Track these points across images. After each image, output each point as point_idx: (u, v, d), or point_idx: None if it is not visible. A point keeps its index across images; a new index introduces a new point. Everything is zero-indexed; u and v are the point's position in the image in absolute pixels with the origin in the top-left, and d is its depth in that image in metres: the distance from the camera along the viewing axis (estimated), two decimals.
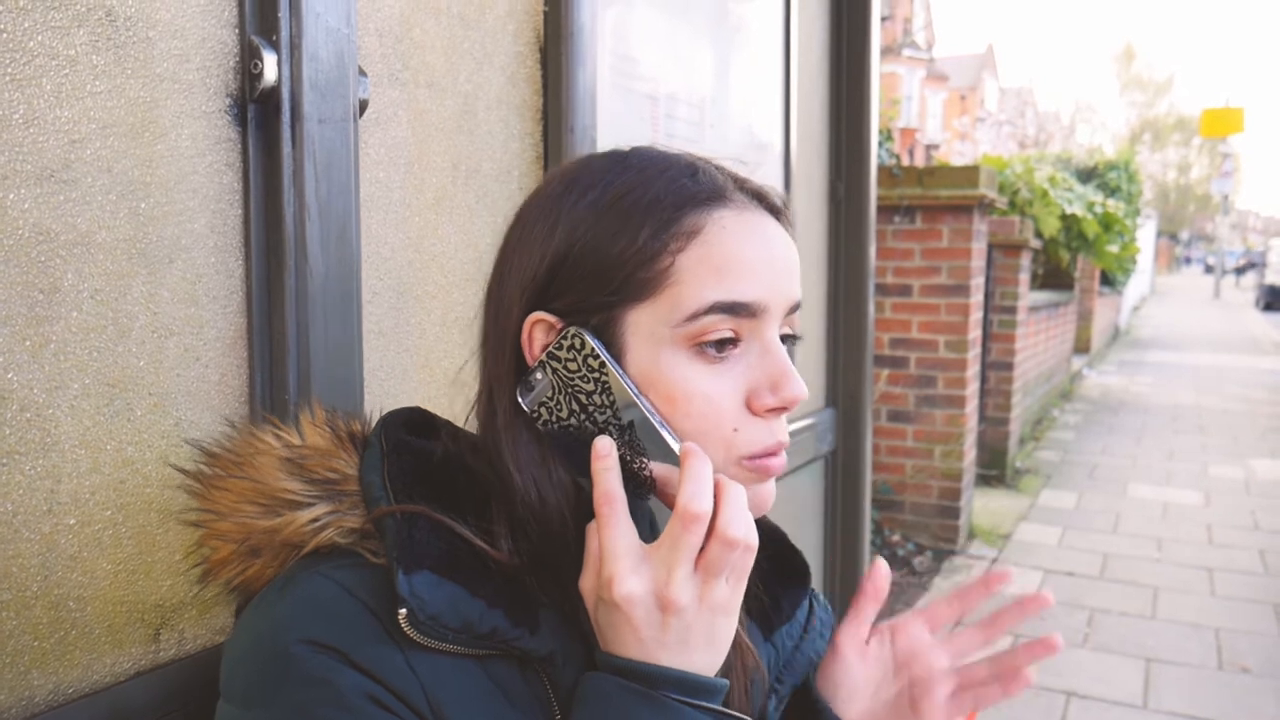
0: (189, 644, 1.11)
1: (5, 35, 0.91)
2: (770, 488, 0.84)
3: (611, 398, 0.78)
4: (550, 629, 0.80)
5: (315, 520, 0.80)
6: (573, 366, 0.79)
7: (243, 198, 1.14)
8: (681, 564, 0.73)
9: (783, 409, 0.81)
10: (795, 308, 0.84)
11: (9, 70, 0.91)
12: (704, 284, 0.77)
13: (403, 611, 0.72)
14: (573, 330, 0.79)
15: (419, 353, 1.41)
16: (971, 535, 5.88)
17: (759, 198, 0.85)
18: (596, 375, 0.78)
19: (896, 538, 5.64)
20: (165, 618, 1.09)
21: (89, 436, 1.00)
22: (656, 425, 0.77)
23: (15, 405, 0.94)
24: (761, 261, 0.80)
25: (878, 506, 5.65)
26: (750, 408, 0.80)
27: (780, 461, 0.83)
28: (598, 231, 0.79)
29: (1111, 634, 4.48)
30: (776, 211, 0.86)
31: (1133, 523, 6.30)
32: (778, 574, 1.04)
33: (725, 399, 0.79)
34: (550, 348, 0.80)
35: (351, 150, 1.20)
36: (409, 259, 1.38)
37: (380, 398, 1.32)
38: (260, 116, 1.14)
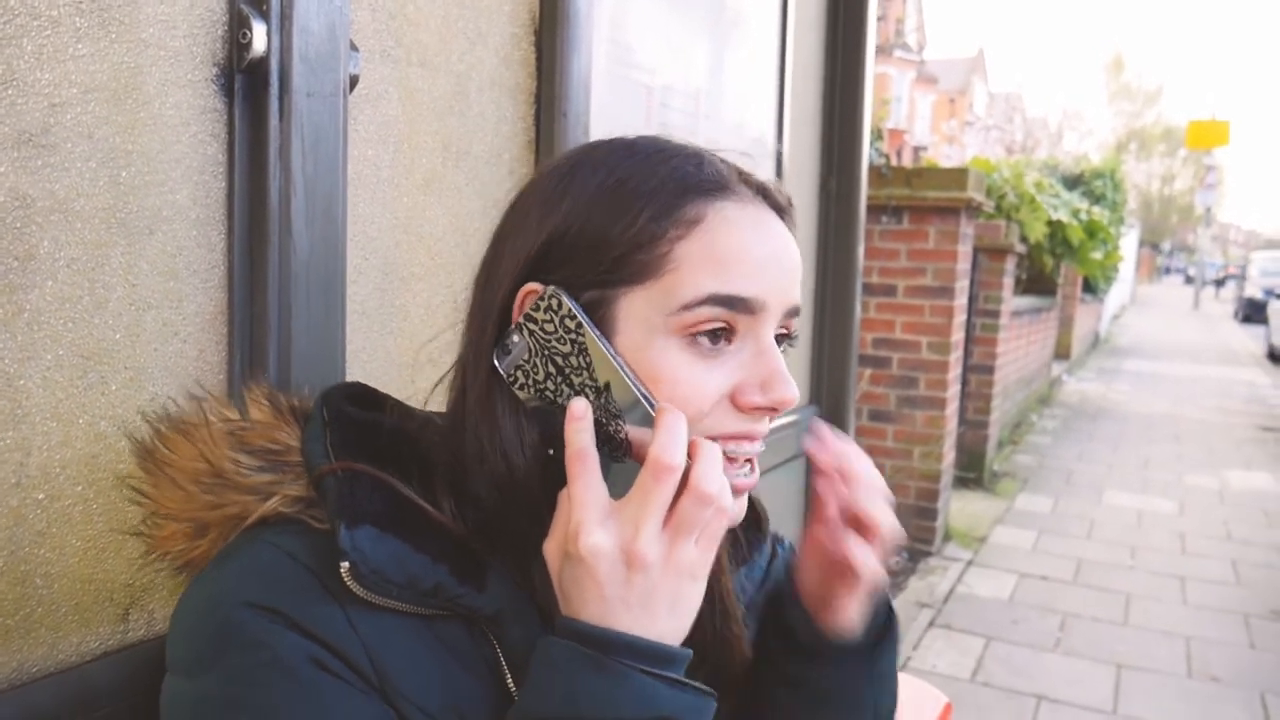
0: (159, 625, 1.09)
1: None
2: (739, 504, 0.82)
3: (588, 359, 0.77)
4: (498, 588, 0.79)
5: (258, 490, 0.80)
6: (549, 328, 0.78)
7: (227, 170, 1.11)
8: (650, 518, 0.71)
9: (770, 410, 0.80)
10: (794, 312, 0.83)
11: None
12: (702, 274, 0.76)
13: (345, 565, 0.72)
14: (550, 290, 0.77)
15: (403, 335, 1.38)
16: (948, 537, 5.89)
17: (763, 193, 0.83)
18: (573, 337, 0.77)
19: None
20: (135, 597, 1.06)
21: (61, 409, 0.98)
22: (632, 385, 0.76)
23: None
24: (763, 258, 0.79)
25: None
26: (735, 403, 0.79)
27: (750, 481, 0.81)
28: (599, 212, 0.78)
29: (1083, 639, 4.50)
30: (780, 210, 0.84)
31: (1107, 529, 6.33)
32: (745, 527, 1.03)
33: (710, 389, 0.77)
34: (528, 310, 0.79)
35: (340, 126, 1.18)
36: (396, 239, 1.36)
37: (361, 379, 1.29)
38: (248, 88, 1.11)
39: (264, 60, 1.09)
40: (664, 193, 0.78)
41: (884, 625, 0.94)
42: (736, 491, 0.80)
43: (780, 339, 0.83)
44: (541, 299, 0.78)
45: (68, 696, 0.99)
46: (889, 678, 0.96)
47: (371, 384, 0.93)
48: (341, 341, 1.22)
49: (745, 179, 0.83)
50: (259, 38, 1.08)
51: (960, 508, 6.52)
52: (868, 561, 0.86)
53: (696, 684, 0.73)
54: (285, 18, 1.10)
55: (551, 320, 0.77)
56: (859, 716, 0.94)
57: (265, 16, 1.09)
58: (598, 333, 0.77)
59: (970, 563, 5.53)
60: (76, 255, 0.97)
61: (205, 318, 1.11)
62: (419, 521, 0.77)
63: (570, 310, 0.77)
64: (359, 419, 0.84)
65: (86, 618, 1.02)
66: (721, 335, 0.78)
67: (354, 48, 1.20)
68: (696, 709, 0.73)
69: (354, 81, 1.21)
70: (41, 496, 0.97)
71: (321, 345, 1.19)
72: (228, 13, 1.09)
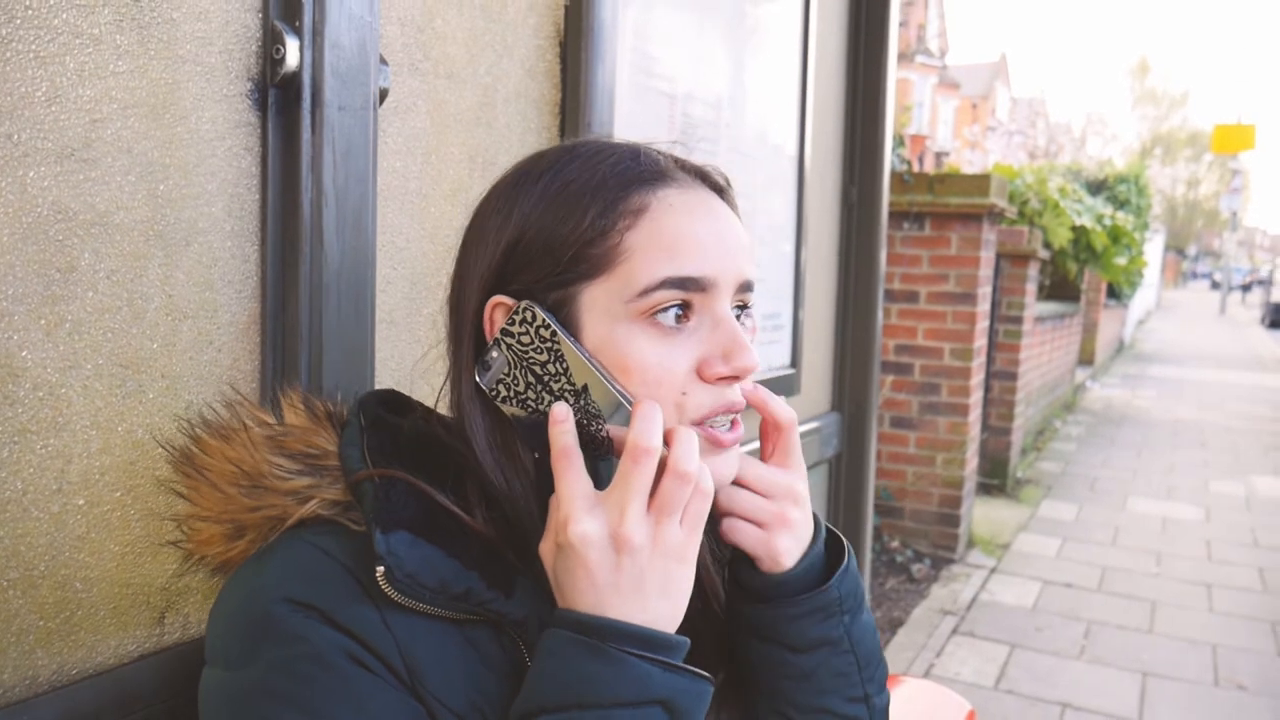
0: (193, 628, 1.11)
1: (30, 11, 0.90)
2: (727, 458, 0.85)
3: (565, 365, 0.80)
4: (525, 595, 0.81)
5: (297, 493, 0.82)
6: (526, 340, 0.81)
7: (260, 183, 1.14)
8: (633, 501, 0.75)
9: (734, 378, 0.83)
10: (746, 286, 0.86)
11: (33, 47, 0.91)
12: (654, 260, 0.80)
13: (380, 569, 0.74)
14: (523, 304, 0.81)
15: (430, 344, 1.40)
16: (970, 544, 5.87)
17: (701, 176, 0.88)
18: (549, 345, 0.80)
19: (895, 544, 5.63)
20: (170, 601, 1.09)
21: (101, 417, 1.00)
22: (609, 385, 0.79)
23: (29, 383, 0.94)
24: (709, 237, 0.82)
25: (878, 512, 5.64)
26: (701, 376, 0.82)
27: (734, 435, 0.84)
28: (548, 216, 0.82)
29: (1108, 647, 4.47)
30: (720, 190, 0.89)
31: (1132, 536, 6.29)
32: None
33: (677, 365, 0.81)
34: (503, 325, 0.82)
35: (370, 139, 1.20)
36: (424, 250, 1.38)
37: (390, 387, 1.31)
38: (281, 102, 1.14)
39: (297, 75, 1.12)
40: (607, 188, 0.82)
41: (829, 565, 0.93)
42: (720, 445, 0.83)
43: (739, 310, 0.86)
44: (515, 313, 0.81)
45: (106, 698, 1.01)
46: (860, 622, 0.93)
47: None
48: (371, 350, 1.24)
49: (682, 165, 0.87)
50: (292, 53, 1.11)
51: (983, 514, 6.49)
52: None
53: (691, 668, 0.75)
54: (317, 33, 1.12)
55: (527, 332, 0.81)
56: (844, 659, 0.91)
57: (298, 32, 1.11)
58: (572, 339, 0.80)
59: (994, 570, 5.51)
60: (116, 267, 1.00)
61: (239, 327, 1.13)
62: (452, 527, 0.80)
63: (544, 320, 0.80)
64: (394, 424, 0.87)
65: (124, 621, 1.05)
66: (680, 315, 0.81)
67: (383, 61, 1.23)
68: (692, 692, 0.75)
69: (384, 94, 1.23)
70: (81, 502, 0.99)
71: (351, 354, 1.21)
72: (261, 29, 1.12)
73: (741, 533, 0.88)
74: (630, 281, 0.79)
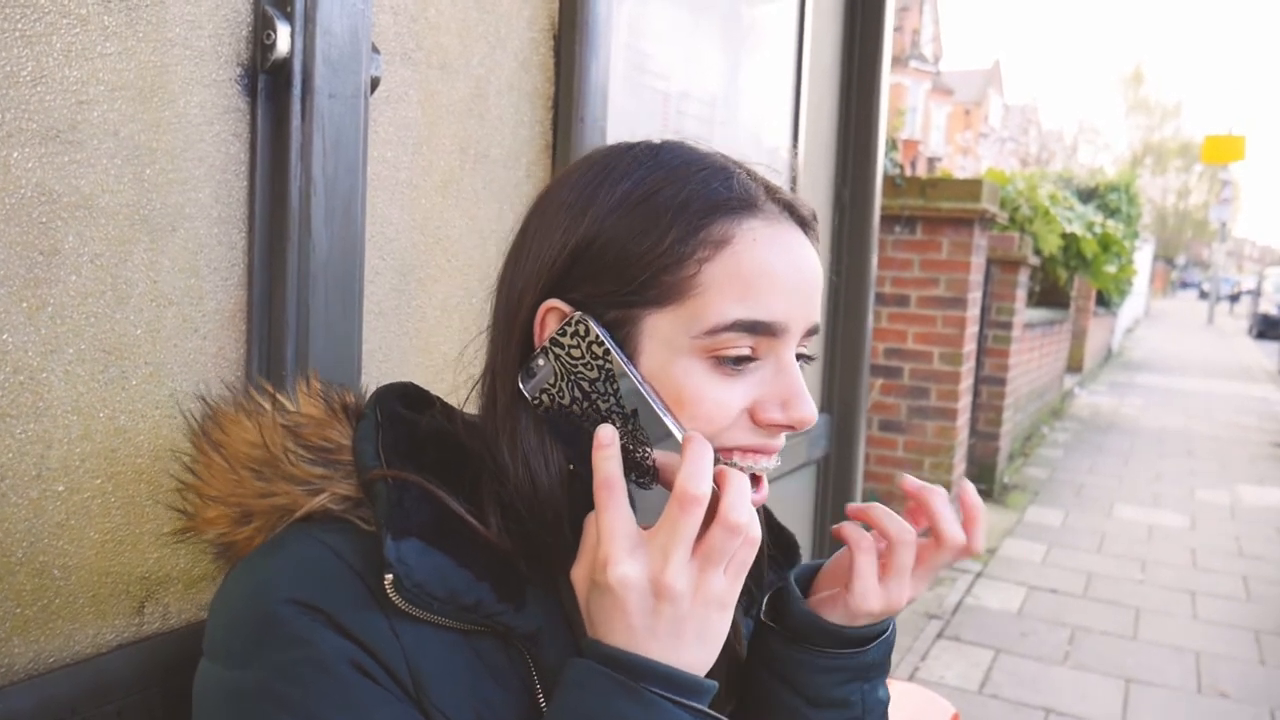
0: (173, 618, 1.10)
1: None
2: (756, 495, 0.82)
3: (615, 385, 0.77)
4: (536, 607, 0.79)
5: (308, 484, 0.80)
6: (576, 353, 0.77)
7: (249, 169, 1.12)
8: (678, 549, 0.71)
9: (789, 427, 0.80)
10: (814, 330, 0.83)
11: (19, 26, 0.89)
12: (728, 299, 0.76)
13: (389, 577, 0.72)
14: (578, 316, 0.77)
15: (419, 335, 1.39)
16: None
17: (790, 209, 0.83)
18: (600, 363, 0.77)
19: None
20: (150, 591, 1.07)
21: (82, 403, 0.99)
22: (660, 412, 0.76)
23: (9, 367, 0.92)
24: (789, 279, 0.79)
25: None
26: (754, 419, 0.79)
27: (759, 496, 0.82)
28: (625, 226, 0.77)
29: (1092, 653, 4.48)
30: (805, 224, 0.84)
31: (1117, 543, 6.30)
32: (773, 554, 1.03)
33: (732, 407, 0.78)
34: (554, 334, 0.78)
35: (361, 128, 1.19)
36: (413, 241, 1.37)
37: (377, 378, 1.30)
38: (270, 88, 1.12)
39: (287, 61, 1.11)
40: (691, 211, 0.77)
41: (878, 632, 0.93)
42: None
43: (799, 356, 0.83)
44: (568, 324, 0.77)
45: (83, 687, 1.00)
46: (876, 695, 0.94)
47: (387, 383, 0.94)
48: (358, 341, 1.23)
49: (773, 194, 0.82)
50: (283, 39, 1.10)
51: None
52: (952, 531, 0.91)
53: (718, 715, 0.73)
54: (309, 20, 1.11)
55: (579, 345, 0.77)
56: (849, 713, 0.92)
57: (289, 18, 1.10)
58: (627, 362, 0.77)
59: (979, 574, 5.51)
60: (100, 251, 0.98)
61: (225, 315, 1.12)
62: (464, 535, 0.77)
63: (598, 336, 0.76)
64: (411, 420, 0.84)
65: (103, 610, 1.03)
66: (745, 359, 0.78)
67: (375, 50, 1.22)
68: None
69: (375, 83, 1.22)
70: (61, 489, 0.98)
71: (339, 344, 1.20)
72: (252, 14, 1.11)
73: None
74: (700, 317, 0.76)
